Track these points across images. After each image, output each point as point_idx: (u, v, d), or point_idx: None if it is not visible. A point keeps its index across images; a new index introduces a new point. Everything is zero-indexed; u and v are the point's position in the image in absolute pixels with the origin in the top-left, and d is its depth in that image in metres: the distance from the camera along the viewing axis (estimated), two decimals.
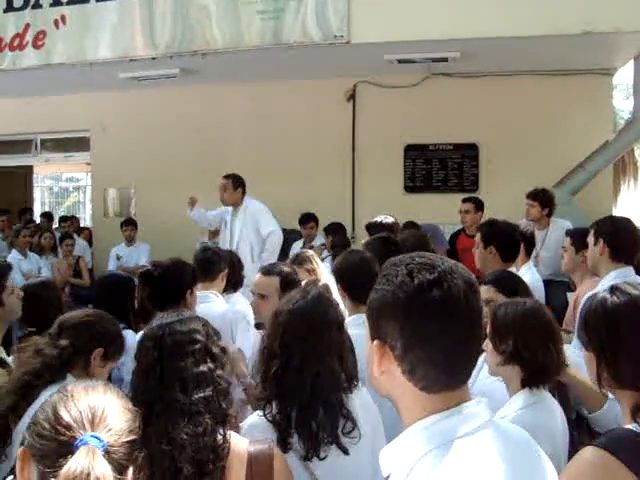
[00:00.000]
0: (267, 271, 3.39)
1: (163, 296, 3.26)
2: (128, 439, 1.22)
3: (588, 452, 1.56)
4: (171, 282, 3.36)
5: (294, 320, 2.17)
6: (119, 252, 8.75)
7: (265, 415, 2.09)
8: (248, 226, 6.59)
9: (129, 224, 8.82)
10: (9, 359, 3.27)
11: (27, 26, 7.60)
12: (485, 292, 2.86)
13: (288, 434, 2.05)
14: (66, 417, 1.19)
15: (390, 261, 1.32)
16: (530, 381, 2.31)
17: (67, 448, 1.15)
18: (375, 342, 1.27)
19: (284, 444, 2.03)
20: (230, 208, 6.77)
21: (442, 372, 1.23)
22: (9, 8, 7.69)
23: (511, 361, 2.32)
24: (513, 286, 2.95)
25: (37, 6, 7.58)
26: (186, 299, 3.35)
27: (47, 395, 2.09)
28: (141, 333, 2.04)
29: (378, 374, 1.27)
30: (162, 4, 7.21)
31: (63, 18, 7.49)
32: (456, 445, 1.18)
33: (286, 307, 2.22)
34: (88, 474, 1.10)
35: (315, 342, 2.13)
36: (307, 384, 2.08)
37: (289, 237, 8.05)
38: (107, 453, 1.16)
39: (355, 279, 3.14)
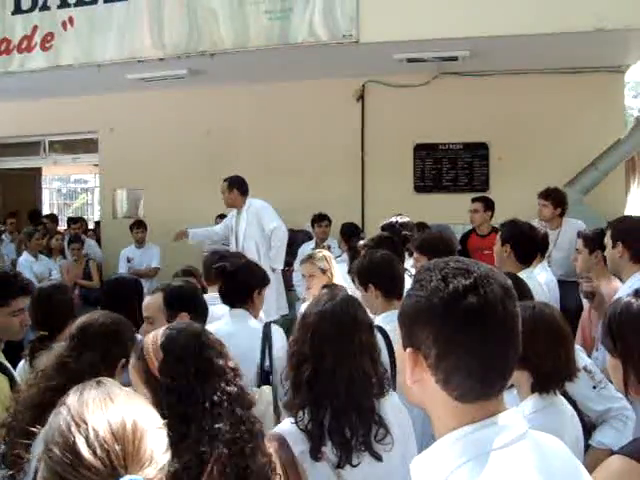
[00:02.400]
0: (153, 290, 3.17)
1: (234, 292, 3.47)
2: (163, 462, 1.06)
3: (615, 461, 1.52)
4: (243, 280, 3.52)
5: (324, 322, 2.13)
6: (129, 254, 8.70)
7: (297, 423, 2.04)
8: (252, 225, 6.63)
9: (139, 226, 8.76)
10: (20, 364, 3.25)
11: (35, 28, 7.60)
12: None
13: (322, 443, 2.01)
14: (91, 459, 0.99)
15: (424, 266, 1.28)
16: (539, 386, 2.27)
17: None
18: (408, 350, 1.23)
19: (317, 453, 1.99)
20: (234, 212, 6.82)
21: (478, 381, 1.18)
22: (17, 10, 7.69)
23: (520, 366, 2.27)
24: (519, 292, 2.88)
25: (45, 8, 7.58)
26: (254, 298, 3.52)
27: None
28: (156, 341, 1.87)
29: (411, 383, 1.23)
30: (170, 5, 7.20)
31: (71, 20, 7.48)
32: (492, 458, 1.14)
33: (314, 309, 2.18)
34: None
35: (346, 344, 2.09)
36: (341, 389, 2.04)
37: (298, 237, 8.04)
38: None
39: (386, 275, 3.32)
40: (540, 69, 7.72)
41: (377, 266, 3.39)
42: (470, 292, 1.17)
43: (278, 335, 3.49)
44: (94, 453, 0.99)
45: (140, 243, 8.75)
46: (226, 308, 3.75)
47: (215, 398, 1.73)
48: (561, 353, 2.28)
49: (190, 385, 1.74)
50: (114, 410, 1.06)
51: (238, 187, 6.68)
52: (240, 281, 3.53)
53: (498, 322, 1.18)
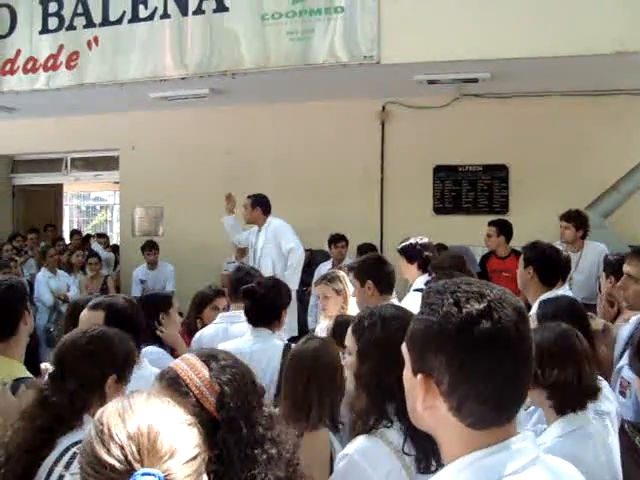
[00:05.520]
0: (93, 305, 2.96)
1: (263, 313, 3.53)
2: (190, 456, 1.06)
3: None
4: (271, 300, 3.58)
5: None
6: (142, 276, 8.59)
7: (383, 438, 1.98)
8: (269, 243, 6.69)
9: (152, 248, 8.61)
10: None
11: (61, 47, 7.72)
12: None
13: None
14: (107, 457, 1.02)
15: (433, 288, 1.24)
16: (560, 406, 2.24)
17: None
18: (419, 376, 1.19)
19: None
20: (255, 228, 6.88)
21: (492, 409, 1.16)
22: (44, 30, 7.83)
23: (540, 387, 2.24)
24: (555, 313, 2.85)
25: (71, 28, 7.71)
26: (281, 317, 3.62)
27: (65, 443, 1.95)
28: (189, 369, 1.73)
29: (422, 409, 1.20)
30: (192, 25, 7.29)
31: (96, 39, 7.60)
32: None
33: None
34: None
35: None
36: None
37: (316, 258, 8.03)
38: None
39: (382, 273, 4.08)
40: (561, 91, 7.69)
41: (374, 264, 4.10)
42: (484, 317, 1.14)
43: None
44: (108, 451, 1.02)
45: (152, 265, 8.64)
46: (243, 328, 3.75)
47: (264, 422, 1.69)
48: (582, 373, 2.25)
49: (249, 416, 1.68)
50: (130, 411, 1.08)
51: (261, 206, 6.76)
52: (270, 303, 3.58)
53: (513, 347, 1.16)
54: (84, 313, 2.91)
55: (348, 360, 2.19)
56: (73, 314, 3.24)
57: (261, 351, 3.38)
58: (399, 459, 1.94)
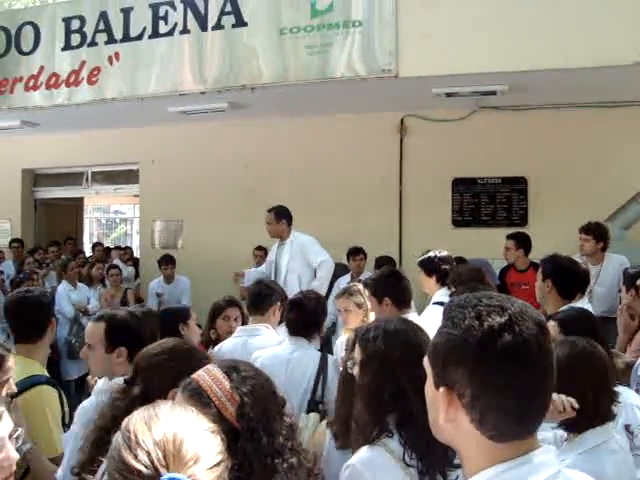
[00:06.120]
0: (96, 317, 2.97)
1: (308, 324, 3.65)
2: (213, 462, 1.09)
3: None
4: (316, 313, 3.72)
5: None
6: (158, 289, 8.58)
7: (387, 448, 1.98)
8: (296, 259, 6.50)
9: (168, 262, 8.61)
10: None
11: (83, 63, 7.85)
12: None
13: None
14: (134, 463, 1.06)
15: (455, 302, 1.26)
16: (581, 423, 2.21)
17: None
18: (442, 389, 1.20)
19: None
20: (275, 245, 6.73)
21: (514, 421, 1.16)
22: (67, 47, 7.97)
23: None
24: (580, 327, 2.82)
25: (93, 44, 7.84)
26: (321, 329, 3.77)
27: None
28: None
29: (444, 422, 1.21)
30: (211, 40, 7.38)
31: (117, 55, 7.72)
32: None
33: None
34: None
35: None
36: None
37: (336, 271, 8.03)
38: None
39: (398, 288, 4.11)
40: (580, 103, 7.66)
41: (389, 280, 4.11)
42: (505, 330, 1.15)
43: (333, 366, 3.58)
44: (135, 457, 1.06)
45: (169, 279, 8.64)
46: (262, 341, 3.78)
47: (284, 432, 1.73)
48: (602, 390, 2.24)
49: (269, 426, 1.71)
50: (156, 419, 1.12)
51: (285, 218, 6.59)
52: (315, 315, 3.72)
53: (534, 360, 1.17)
54: (89, 325, 2.95)
55: (355, 371, 2.21)
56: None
57: (299, 358, 3.50)
58: (403, 469, 1.94)
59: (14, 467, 1.61)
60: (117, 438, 1.12)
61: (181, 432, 1.09)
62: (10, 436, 1.61)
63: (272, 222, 6.59)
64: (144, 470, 1.05)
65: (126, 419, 1.16)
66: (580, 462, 2.07)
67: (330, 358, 3.63)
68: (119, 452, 1.09)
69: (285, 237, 6.61)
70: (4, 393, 2.42)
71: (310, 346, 3.67)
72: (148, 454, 1.06)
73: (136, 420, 1.14)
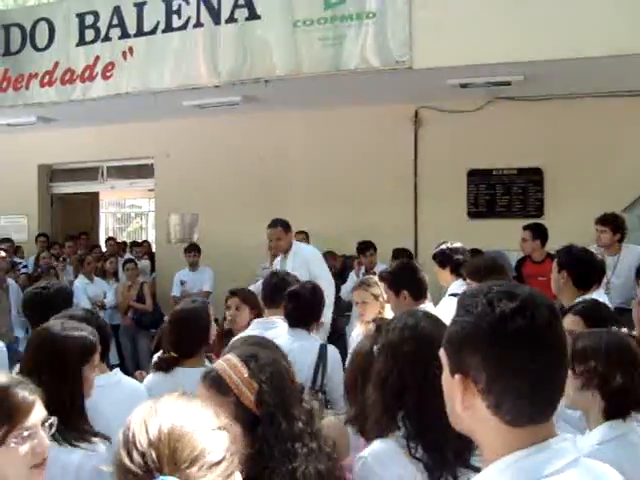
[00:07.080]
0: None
1: (306, 315, 3.71)
2: (213, 461, 1.06)
3: None
4: (313, 303, 3.78)
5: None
6: (183, 278, 8.81)
7: (398, 440, 1.98)
8: (299, 270, 5.85)
9: (192, 249, 8.86)
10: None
11: (97, 58, 7.88)
12: (570, 323, 2.76)
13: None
14: (129, 464, 1.06)
15: (467, 292, 1.28)
16: (612, 410, 2.20)
17: None
18: (457, 377, 1.22)
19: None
20: (279, 258, 6.38)
21: (528, 405, 1.17)
22: (81, 42, 8.00)
23: (590, 385, 2.22)
24: (600, 318, 2.81)
25: (107, 39, 7.87)
26: (319, 319, 3.81)
27: None
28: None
29: (462, 410, 1.22)
30: (224, 33, 7.38)
31: (131, 49, 7.74)
32: None
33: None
34: None
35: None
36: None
37: (349, 263, 8.03)
38: None
39: (414, 280, 4.15)
40: (595, 92, 7.58)
41: (405, 273, 4.15)
42: (517, 314, 1.17)
43: (332, 355, 3.64)
44: (131, 458, 1.06)
45: (193, 267, 8.84)
46: (278, 334, 3.78)
47: (303, 417, 1.79)
48: (635, 376, 2.22)
49: (287, 412, 1.76)
50: (154, 416, 1.11)
51: (290, 229, 6.33)
52: (312, 305, 3.79)
53: (546, 343, 1.18)
54: None
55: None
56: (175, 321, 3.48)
57: (299, 349, 3.50)
58: (414, 463, 1.94)
59: (47, 454, 1.65)
60: (120, 434, 1.12)
61: (178, 431, 1.08)
62: (43, 424, 1.65)
63: (282, 236, 6.21)
64: (139, 472, 1.05)
65: (132, 414, 1.14)
66: (598, 453, 2.05)
67: (330, 348, 3.69)
68: (118, 450, 1.10)
69: (288, 249, 6.27)
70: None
71: (310, 336, 3.73)
72: (142, 455, 1.06)
73: (136, 416, 1.13)
